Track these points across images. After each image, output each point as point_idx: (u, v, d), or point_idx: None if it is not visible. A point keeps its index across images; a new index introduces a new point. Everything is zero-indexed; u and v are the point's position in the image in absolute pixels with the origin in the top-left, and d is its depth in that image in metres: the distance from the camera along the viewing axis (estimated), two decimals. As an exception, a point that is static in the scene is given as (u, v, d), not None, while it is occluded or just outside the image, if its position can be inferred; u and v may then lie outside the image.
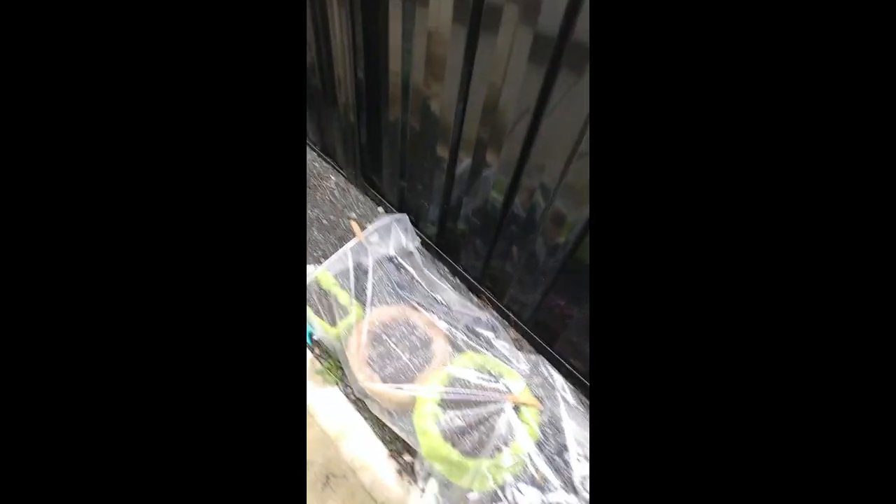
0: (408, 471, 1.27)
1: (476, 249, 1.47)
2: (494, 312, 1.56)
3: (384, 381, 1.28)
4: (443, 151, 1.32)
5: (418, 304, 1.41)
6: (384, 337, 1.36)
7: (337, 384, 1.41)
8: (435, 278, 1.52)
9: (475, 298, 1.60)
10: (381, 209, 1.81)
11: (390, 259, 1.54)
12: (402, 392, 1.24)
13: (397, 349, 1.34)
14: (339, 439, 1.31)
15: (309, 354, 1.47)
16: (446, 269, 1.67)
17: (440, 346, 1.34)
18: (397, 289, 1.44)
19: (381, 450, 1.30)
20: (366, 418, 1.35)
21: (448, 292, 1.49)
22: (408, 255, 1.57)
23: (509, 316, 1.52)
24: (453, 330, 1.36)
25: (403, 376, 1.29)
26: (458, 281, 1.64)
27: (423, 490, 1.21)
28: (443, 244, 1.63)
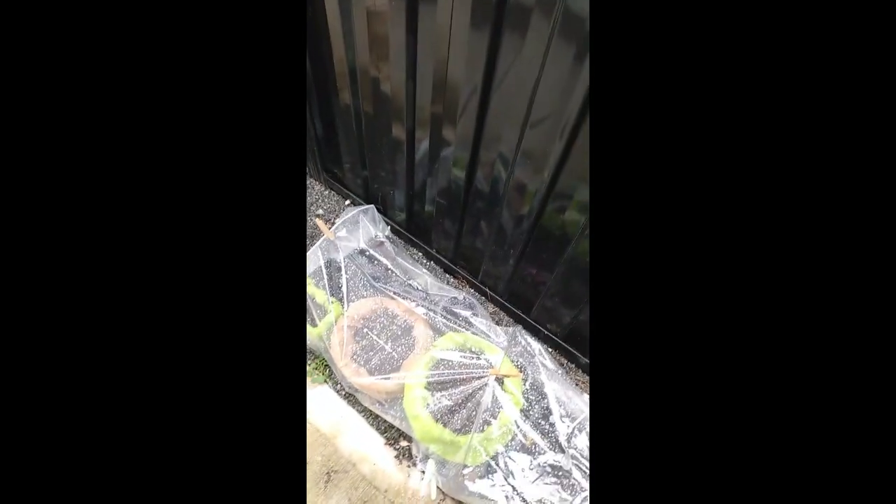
0: (406, 455, 1.29)
1: (446, 230, 1.46)
2: (471, 290, 1.56)
3: (371, 373, 1.27)
4: (399, 133, 1.29)
5: (395, 293, 1.40)
6: (365, 330, 1.35)
7: (326, 382, 1.40)
8: (409, 265, 1.51)
9: (451, 279, 1.60)
10: (347, 202, 1.77)
11: (362, 252, 1.52)
12: (389, 382, 1.25)
13: (379, 340, 1.33)
14: (334, 436, 1.31)
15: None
16: (420, 254, 1.65)
17: (421, 332, 1.34)
18: (372, 281, 1.43)
19: (377, 439, 1.31)
20: (358, 411, 1.35)
21: (423, 277, 1.48)
22: (379, 245, 1.55)
23: (486, 291, 1.53)
24: (431, 314, 1.36)
25: (389, 366, 1.29)
26: (433, 264, 1.63)
27: (422, 472, 1.23)
28: (413, 229, 1.62)
